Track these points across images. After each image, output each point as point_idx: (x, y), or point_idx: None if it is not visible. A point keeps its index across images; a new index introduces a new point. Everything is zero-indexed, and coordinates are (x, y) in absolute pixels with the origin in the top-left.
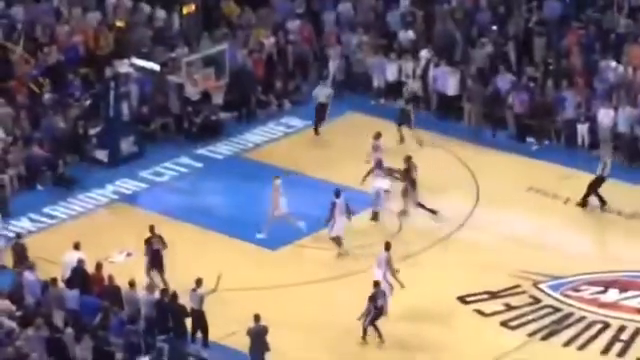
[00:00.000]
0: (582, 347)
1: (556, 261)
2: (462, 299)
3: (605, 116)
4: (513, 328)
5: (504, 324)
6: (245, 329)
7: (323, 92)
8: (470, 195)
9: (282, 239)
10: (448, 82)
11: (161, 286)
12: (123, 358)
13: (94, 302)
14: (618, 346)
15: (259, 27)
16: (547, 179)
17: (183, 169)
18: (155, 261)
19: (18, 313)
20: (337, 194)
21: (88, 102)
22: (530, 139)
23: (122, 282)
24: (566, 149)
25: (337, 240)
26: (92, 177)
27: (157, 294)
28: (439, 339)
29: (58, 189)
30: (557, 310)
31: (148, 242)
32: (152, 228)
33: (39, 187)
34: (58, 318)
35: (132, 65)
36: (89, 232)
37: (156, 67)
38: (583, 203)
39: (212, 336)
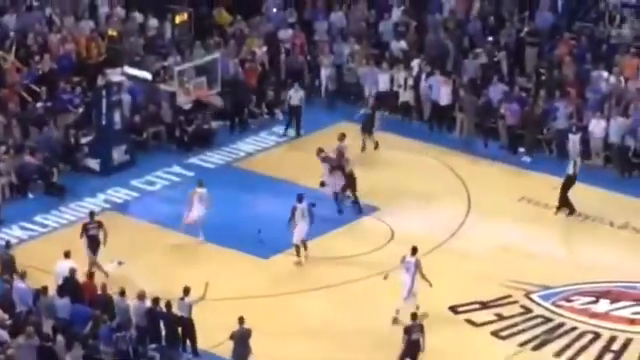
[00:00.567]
0: (573, 357)
1: (547, 271)
2: (453, 309)
3: (597, 126)
4: (504, 338)
5: (495, 334)
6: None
7: (297, 95)
8: (462, 205)
9: (274, 248)
10: (441, 92)
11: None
12: None
13: (85, 311)
14: (609, 356)
15: (252, 36)
16: (539, 189)
17: (175, 178)
18: (92, 246)
19: (8, 322)
20: (299, 199)
21: (80, 110)
22: (521, 150)
23: (113, 291)
24: (558, 159)
25: (297, 248)
26: (84, 186)
27: (148, 302)
28: (430, 349)
29: (50, 197)
30: (548, 320)
31: (85, 228)
32: (91, 214)
33: (30, 195)
34: (48, 327)
35: (124, 74)
36: (80, 241)
37: (148, 76)
38: (560, 205)
39: (203, 345)
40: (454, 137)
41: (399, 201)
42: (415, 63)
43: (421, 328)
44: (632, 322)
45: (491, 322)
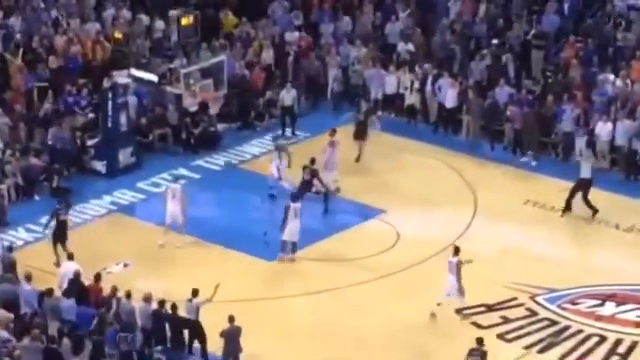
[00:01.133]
0: None
1: (553, 274)
2: (459, 311)
3: (603, 129)
4: (510, 341)
5: (501, 337)
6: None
7: (289, 95)
8: (468, 208)
9: (278, 250)
10: (447, 94)
11: (55, 260)
12: None
13: (91, 312)
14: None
15: (258, 39)
16: (544, 192)
17: (181, 180)
18: (60, 232)
19: (11, 324)
20: (293, 198)
21: (89, 113)
22: (528, 154)
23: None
24: (564, 162)
25: (284, 244)
26: (90, 188)
27: (154, 304)
28: (436, 352)
29: (55, 200)
30: (554, 323)
31: (55, 213)
32: (61, 200)
33: (36, 197)
34: (54, 329)
35: (130, 76)
36: (86, 243)
37: (154, 78)
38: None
39: (208, 347)
40: (460, 140)
41: (405, 204)
42: (425, 67)
43: (483, 355)
44: (638, 325)
45: (497, 325)
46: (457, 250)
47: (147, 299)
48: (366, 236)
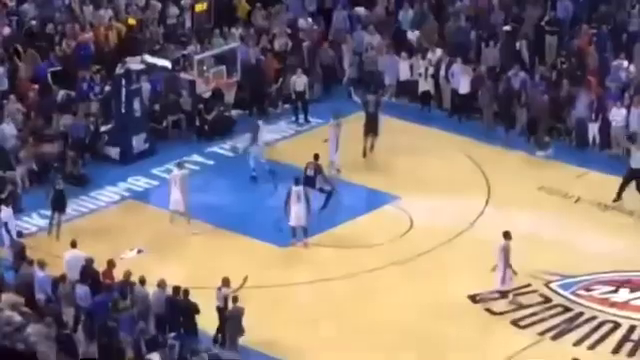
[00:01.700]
0: (592, 347)
1: (567, 260)
2: (472, 298)
3: (617, 115)
4: (523, 327)
5: (514, 323)
6: (256, 327)
7: (300, 81)
8: (481, 194)
9: (292, 237)
10: (461, 81)
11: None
12: (133, 355)
13: (105, 299)
14: (628, 346)
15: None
16: (558, 178)
17: (194, 167)
18: (56, 201)
19: (24, 309)
20: (296, 182)
21: (100, 99)
22: (541, 148)
23: (133, 279)
24: (577, 148)
25: (293, 229)
26: (104, 174)
27: (168, 291)
28: (449, 337)
29: (69, 186)
30: (568, 309)
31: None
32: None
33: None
34: (69, 315)
35: (144, 62)
36: (100, 229)
37: (168, 64)
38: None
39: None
40: (474, 126)
41: (419, 190)
42: (437, 52)
43: None
44: None
45: (510, 311)
46: (505, 235)
47: (161, 285)
48: (380, 222)
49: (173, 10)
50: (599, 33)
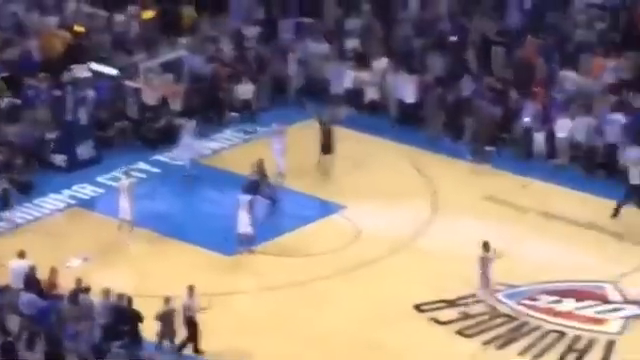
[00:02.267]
0: (538, 356)
1: (512, 270)
2: (418, 307)
3: (562, 126)
4: (469, 337)
5: (460, 333)
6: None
7: (246, 89)
8: (428, 203)
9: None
10: (406, 90)
11: None
12: None
13: (48, 307)
14: (573, 356)
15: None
16: (504, 188)
17: (140, 174)
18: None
19: None
20: (243, 189)
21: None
22: (481, 155)
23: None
24: (523, 159)
25: (238, 236)
26: (49, 182)
27: (113, 299)
28: (395, 347)
29: (15, 194)
30: (513, 319)
31: None
32: None
33: None
34: (13, 323)
35: (90, 70)
36: (46, 237)
37: (114, 72)
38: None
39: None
40: (420, 135)
41: (366, 199)
42: (383, 61)
43: None
44: (596, 321)
45: (456, 321)
46: (484, 245)
47: (105, 294)
48: (326, 231)
49: (119, 18)
50: (546, 44)
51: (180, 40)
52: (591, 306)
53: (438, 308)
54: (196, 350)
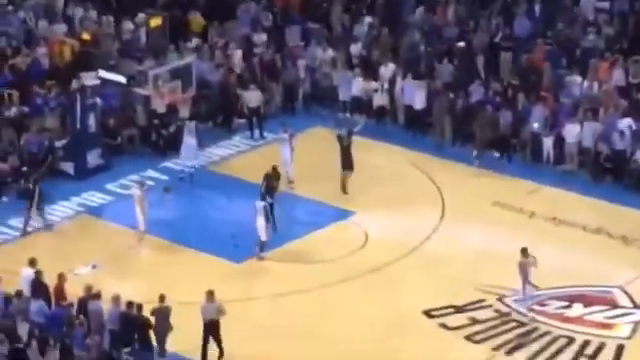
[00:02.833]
0: None
1: None
2: (427, 313)
3: (570, 131)
4: (478, 342)
5: (469, 338)
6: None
7: (253, 96)
8: (436, 209)
9: (247, 252)
10: (416, 96)
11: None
12: None
13: (60, 314)
14: None
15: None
16: (512, 194)
17: (149, 182)
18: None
19: None
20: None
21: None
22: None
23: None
24: (532, 164)
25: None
26: (58, 189)
27: (122, 306)
28: (404, 353)
29: (23, 201)
30: (522, 324)
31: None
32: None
33: (4, 199)
34: (23, 331)
35: (99, 77)
36: (54, 244)
37: (123, 80)
38: None
39: (177, 348)
40: (429, 141)
41: (374, 205)
42: (389, 67)
43: None
44: (606, 326)
45: (465, 326)
46: (523, 251)
47: (115, 301)
48: (335, 238)
49: (128, 25)
50: (553, 49)
51: (188, 47)
52: (600, 311)
53: (447, 314)
54: (221, 353)
